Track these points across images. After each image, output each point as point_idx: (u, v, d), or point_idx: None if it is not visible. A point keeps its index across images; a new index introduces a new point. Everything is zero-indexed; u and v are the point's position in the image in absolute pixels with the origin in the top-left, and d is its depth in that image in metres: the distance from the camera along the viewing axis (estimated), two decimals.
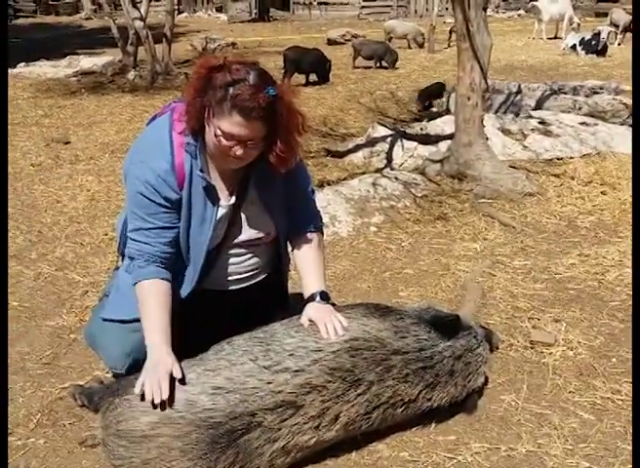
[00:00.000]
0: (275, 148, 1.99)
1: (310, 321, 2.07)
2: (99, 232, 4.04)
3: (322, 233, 2.34)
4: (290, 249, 2.34)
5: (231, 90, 1.86)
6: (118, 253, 2.36)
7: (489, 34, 4.54)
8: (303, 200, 2.30)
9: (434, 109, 7.54)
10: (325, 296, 2.17)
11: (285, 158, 2.02)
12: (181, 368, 1.90)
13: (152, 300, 2.01)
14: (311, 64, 9.82)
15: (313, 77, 10.03)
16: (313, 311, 2.10)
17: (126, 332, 2.14)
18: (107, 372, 2.45)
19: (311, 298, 2.16)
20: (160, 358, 1.90)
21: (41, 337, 2.83)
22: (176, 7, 15.59)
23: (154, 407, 1.82)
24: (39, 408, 2.34)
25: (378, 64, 11.51)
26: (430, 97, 7.64)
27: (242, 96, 1.85)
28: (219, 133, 1.90)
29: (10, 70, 11.06)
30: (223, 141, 1.91)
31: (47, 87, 9.80)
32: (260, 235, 2.23)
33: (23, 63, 11.81)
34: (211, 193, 2.08)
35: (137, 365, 2.10)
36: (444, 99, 7.31)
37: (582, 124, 5.68)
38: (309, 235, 2.27)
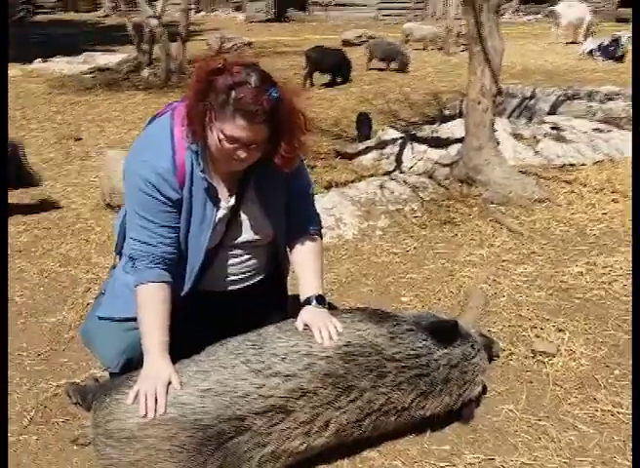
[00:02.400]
0: (279, 149, 1.98)
1: (305, 325, 2.05)
2: (105, 230, 4.05)
3: (321, 236, 2.31)
4: (288, 251, 2.32)
5: (233, 93, 1.84)
6: (115, 252, 2.35)
7: (501, 38, 4.49)
8: (303, 202, 2.28)
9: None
10: (321, 300, 2.14)
11: (289, 158, 2.01)
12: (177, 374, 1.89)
13: (153, 305, 1.99)
14: (333, 65, 9.85)
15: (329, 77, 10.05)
16: (308, 315, 2.07)
17: (121, 331, 2.12)
18: (104, 371, 2.44)
19: (307, 302, 2.13)
20: (158, 369, 1.90)
21: (40, 334, 2.83)
22: (193, 6, 15.64)
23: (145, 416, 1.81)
24: (33, 404, 2.35)
25: (388, 66, 11.48)
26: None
27: (245, 99, 1.83)
28: (222, 136, 1.88)
29: (26, 66, 11.18)
30: (226, 145, 1.90)
31: (61, 83, 9.87)
32: (259, 237, 2.21)
33: (40, 59, 11.92)
34: (211, 194, 2.06)
35: (131, 364, 2.10)
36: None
37: (596, 130, 5.61)
38: (308, 238, 2.25)
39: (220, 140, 1.89)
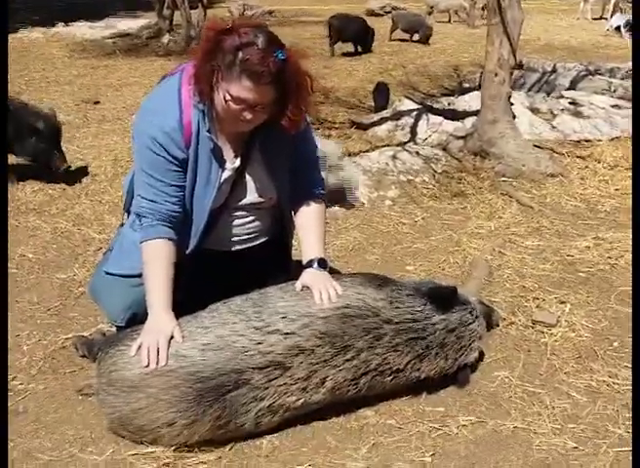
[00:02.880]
0: (285, 111, 2.00)
1: (305, 287, 2.09)
2: (117, 191, 4.10)
3: (324, 201, 2.34)
4: (292, 214, 2.35)
5: (240, 54, 1.86)
6: (124, 210, 2.40)
7: (521, 9, 4.43)
8: (309, 166, 2.30)
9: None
10: (322, 264, 2.18)
11: (295, 121, 2.03)
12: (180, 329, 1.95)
13: (158, 262, 2.04)
14: (355, 33, 9.76)
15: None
16: (309, 277, 2.12)
17: (127, 287, 2.18)
18: (111, 326, 2.51)
19: (309, 265, 2.17)
20: (161, 323, 1.95)
21: (51, 289, 2.91)
22: None
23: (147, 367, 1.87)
24: (42, 355, 2.42)
25: (411, 38, 11.35)
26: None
27: (251, 60, 1.85)
28: (228, 97, 1.91)
29: (48, 29, 11.21)
30: (232, 105, 1.92)
31: (83, 47, 9.90)
32: (263, 199, 2.24)
33: (62, 24, 11.94)
34: (217, 154, 2.09)
35: (136, 318, 2.17)
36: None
37: (615, 107, 5.55)
38: (312, 202, 2.28)
39: (226, 101, 1.91)
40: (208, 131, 2.04)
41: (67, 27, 11.81)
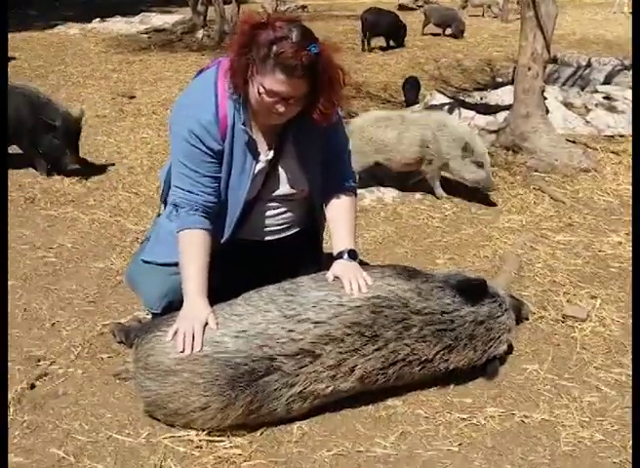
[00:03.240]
0: (317, 104, 2.04)
1: (336, 277, 2.13)
2: (153, 184, 4.19)
3: (355, 194, 2.38)
4: (324, 206, 2.39)
5: (274, 48, 1.90)
6: (161, 200, 2.47)
7: (555, 3, 4.40)
8: (340, 158, 2.34)
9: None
10: (353, 255, 2.22)
11: (326, 114, 2.07)
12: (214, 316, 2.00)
13: (194, 251, 2.10)
14: (387, 27, 9.75)
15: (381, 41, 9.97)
16: (340, 268, 2.16)
17: (164, 275, 2.25)
18: (147, 314, 2.58)
19: (339, 256, 2.21)
20: (196, 310, 2.01)
21: (89, 278, 3.00)
22: None
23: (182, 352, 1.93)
24: (80, 341, 2.50)
25: (444, 32, 11.28)
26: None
27: (285, 54, 1.89)
28: (262, 90, 1.96)
29: (85, 25, 11.42)
30: (266, 98, 1.97)
31: (118, 42, 10.06)
32: (295, 191, 2.29)
33: (98, 19, 12.15)
34: (251, 147, 2.14)
35: (172, 306, 2.22)
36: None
37: None
38: (342, 195, 2.32)
39: (259, 94, 1.96)
40: (243, 123, 2.09)
41: (104, 23, 12.01)
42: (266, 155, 2.19)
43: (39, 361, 2.38)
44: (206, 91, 2.11)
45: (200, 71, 2.29)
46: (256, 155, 2.16)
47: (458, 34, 11.05)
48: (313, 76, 1.96)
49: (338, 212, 2.31)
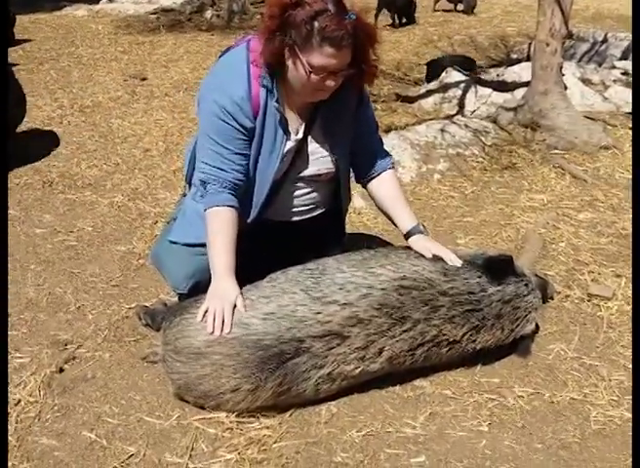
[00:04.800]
0: (362, 67, 2.04)
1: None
2: (170, 166, 4.18)
3: (395, 167, 2.42)
4: (369, 185, 2.38)
5: (316, 23, 1.87)
6: (186, 181, 2.45)
7: None
8: (374, 134, 2.37)
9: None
10: (424, 229, 2.27)
11: (372, 73, 2.10)
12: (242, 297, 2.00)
13: (221, 229, 2.07)
14: (400, 3, 9.61)
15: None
16: (428, 242, 2.21)
17: (190, 255, 2.25)
18: (172, 296, 2.59)
19: (415, 231, 2.24)
20: (225, 289, 2.00)
21: (112, 261, 3.00)
22: None
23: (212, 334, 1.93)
24: (107, 324, 2.51)
25: (455, 8, 11.11)
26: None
27: (329, 27, 1.86)
28: (309, 69, 1.92)
29: (92, 6, 11.32)
30: (314, 77, 1.94)
31: (127, 23, 9.96)
32: (322, 172, 2.27)
33: (106, 0, 12.02)
34: (283, 126, 2.13)
35: (198, 286, 2.22)
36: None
37: None
38: (385, 173, 2.35)
39: (308, 73, 1.93)
40: (276, 101, 2.06)
41: (111, 4, 11.88)
42: (296, 134, 2.18)
43: (66, 345, 2.39)
44: (237, 68, 2.08)
45: (227, 49, 2.24)
46: (287, 134, 2.15)
47: (469, 10, 10.87)
48: (355, 42, 1.94)
49: (387, 190, 2.33)
